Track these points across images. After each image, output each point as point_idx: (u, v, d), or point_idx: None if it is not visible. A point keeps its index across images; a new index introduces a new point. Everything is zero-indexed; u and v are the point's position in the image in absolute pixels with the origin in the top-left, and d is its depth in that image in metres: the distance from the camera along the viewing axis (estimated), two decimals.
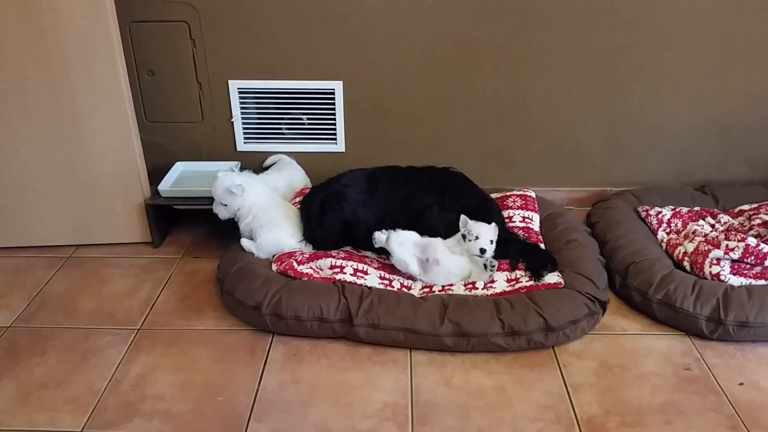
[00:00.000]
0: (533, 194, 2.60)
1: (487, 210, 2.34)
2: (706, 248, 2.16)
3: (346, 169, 2.46)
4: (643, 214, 2.48)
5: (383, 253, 2.21)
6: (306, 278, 2.09)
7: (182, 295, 2.24)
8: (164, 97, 2.62)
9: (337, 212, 2.26)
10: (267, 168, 2.68)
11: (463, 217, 2.17)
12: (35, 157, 2.35)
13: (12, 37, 2.17)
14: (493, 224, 2.19)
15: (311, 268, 2.13)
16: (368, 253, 2.28)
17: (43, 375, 1.87)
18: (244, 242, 2.26)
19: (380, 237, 2.14)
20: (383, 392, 1.80)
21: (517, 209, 2.48)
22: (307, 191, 2.44)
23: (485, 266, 2.12)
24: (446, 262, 2.12)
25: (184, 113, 2.66)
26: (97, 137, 2.34)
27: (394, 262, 2.13)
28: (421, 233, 2.21)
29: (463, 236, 2.16)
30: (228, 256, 2.25)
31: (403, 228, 2.26)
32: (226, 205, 2.28)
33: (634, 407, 1.74)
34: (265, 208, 2.26)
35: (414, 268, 2.10)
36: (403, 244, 2.12)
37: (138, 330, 2.07)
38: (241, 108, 2.66)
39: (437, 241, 2.16)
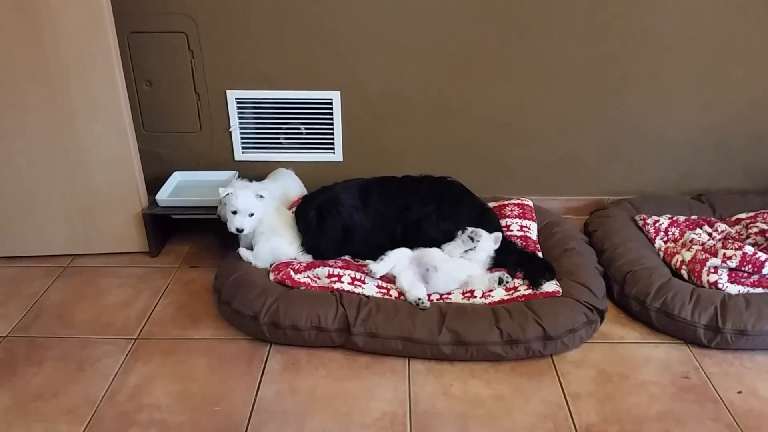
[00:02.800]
0: (531, 203, 2.60)
1: (485, 219, 2.34)
2: (704, 257, 2.16)
3: (344, 179, 2.47)
4: (641, 222, 2.49)
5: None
6: (303, 287, 2.08)
7: (180, 305, 2.23)
8: (162, 108, 2.63)
9: (335, 217, 2.25)
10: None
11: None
12: (33, 167, 2.35)
13: (10, 48, 2.17)
14: (496, 233, 2.21)
15: (309, 277, 2.13)
16: (368, 262, 2.27)
17: (39, 385, 1.87)
18: (242, 251, 2.26)
19: (376, 269, 2.13)
20: (381, 402, 1.79)
21: (515, 218, 2.48)
22: (300, 201, 2.42)
23: (500, 281, 2.11)
24: (445, 267, 2.12)
25: (182, 123, 2.66)
26: (95, 147, 2.35)
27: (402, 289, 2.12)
28: (419, 243, 2.21)
29: (471, 238, 2.16)
30: (225, 266, 2.24)
31: (399, 239, 2.27)
32: (253, 213, 2.22)
33: (632, 416, 1.74)
34: (270, 214, 2.26)
35: (422, 291, 2.07)
36: (404, 271, 2.12)
37: (135, 340, 2.06)
38: (239, 118, 2.66)
39: (432, 250, 2.16)
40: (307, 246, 2.28)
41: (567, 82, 2.57)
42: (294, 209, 2.40)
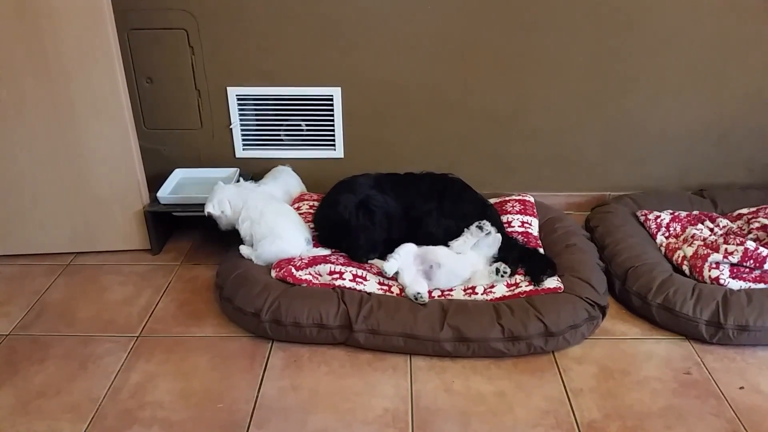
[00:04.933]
0: (532, 199, 2.60)
1: (486, 216, 2.34)
2: (705, 252, 2.16)
3: (345, 175, 2.47)
4: (642, 218, 2.49)
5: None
6: (305, 284, 2.08)
7: (181, 302, 2.24)
8: (163, 105, 2.63)
9: (381, 207, 2.25)
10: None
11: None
12: (34, 165, 2.35)
13: (10, 45, 2.17)
14: (497, 235, 2.21)
15: (310, 274, 2.13)
16: (376, 262, 2.26)
17: (42, 383, 1.87)
18: (243, 249, 2.26)
19: (391, 267, 2.11)
20: (383, 398, 1.79)
21: (516, 214, 2.48)
22: (322, 208, 2.38)
23: (497, 271, 2.11)
24: (449, 264, 2.11)
25: (182, 120, 2.66)
26: (95, 144, 2.34)
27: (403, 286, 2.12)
28: (421, 240, 2.21)
29: (480, 228, 2.14)
30: (227, 263, 2.24)
31: (404, 235, 2.26)
32: (222, 211, 2.27)
33: (634, 412, 1.74)
34: (261, 212, 2.23)
35: (422, 287, 2.07)
36: (408, 268, 2.11)
37: (137, 337, 2.06)
38: (240, 115, 2.66)
39: (436, 248, 2.16)
40: (351, 245, 2.24)
41: (568, 77, 2.56)
42: (316, 216, 2.40)
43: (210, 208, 2.26)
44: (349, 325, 1.95)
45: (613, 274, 2.22)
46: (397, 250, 2.14)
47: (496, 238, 2.20)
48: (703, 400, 1.78)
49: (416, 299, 2.01)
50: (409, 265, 2.12)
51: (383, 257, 2.16)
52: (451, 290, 2.11)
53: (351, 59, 2.54)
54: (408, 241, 2.20)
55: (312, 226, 2.40)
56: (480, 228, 2.15)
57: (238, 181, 2.51)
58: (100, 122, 2.31)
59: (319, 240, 2.33)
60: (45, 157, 2.34)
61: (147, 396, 1.82)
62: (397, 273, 2.12)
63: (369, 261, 2.23)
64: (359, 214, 2.24)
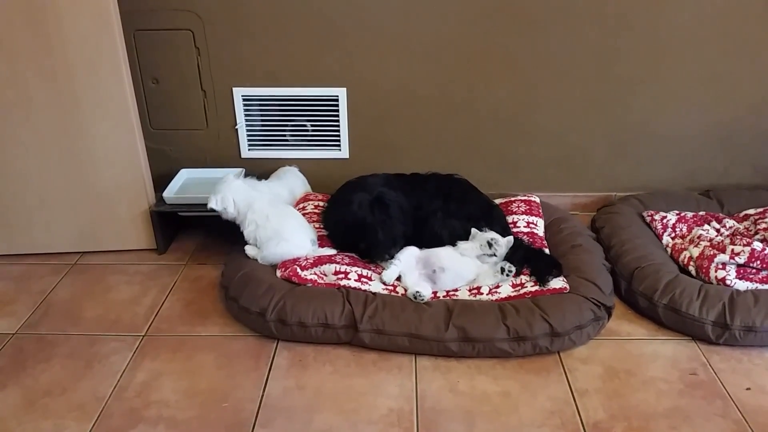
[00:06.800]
0: (538, 199, 2.60)
1: (492, 216, 2.34)
2: (712, 253, 2.15)
3: (350, 176, 2.47)
4: (648, 219, 2.48)
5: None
6: (310, 284, 2.09)
7: (187, 302, 2.24)
8: (169, 105, 2.64)
9: (395, 201, 2.25)
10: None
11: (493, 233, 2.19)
12: (40, 165, 2.36)
13: (17, 47, 2.18)
14: (509, 238, 2.20)
15: (315, 274, 2.13)
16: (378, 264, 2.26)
17: (48, 381, 1.88)
18: (249, 249, 2.26)
19: (390, 275, 2.11)
20: (388, 398, 1.79)
21: (522, 214, 2.48)
22: (335, 209, 2.37)
23: (502, 270, 2.11)
24: (453, 266, 2.11)
25: (188, 121, 2.67)
26: (102, 145, 2.35)
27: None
28: (426, 240, 2.21)
29: (489, 244, 2.14)
30: (232, 263, 2.25)
31: (410, 235, 2.26)
32: (225, 208, 2.26)
33: (640, 412, 1.73)
34: (267, 216, 2.22)
35: (423, 287, 2.07)
36: (410, 272, 2.12)
37: (143, 336, 2.07)
38: (246, 115, 2.67)
39: (439, 250, 2.16)
40: (370, 242, 2.21)
41: (574, 77, 2.56)
42: (327, 218, 2.39)
43: (213, 203, 2.24)
44: (354, 325, 1.95)
45: (619, 274, 2.21)
46: (397, 255, 2.14)
47: (507, 242, 2.19)
48: (709, 401, 1.77)
49: (415, 298, 2.01)
50: (411, 269, 2.12)
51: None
52: (456, 290, 2.11)
53: (356, 60, 2.55)
54: (414, 242, 2.20)
55: (319, 226, 2.40)
56: (489, 245, 2.14)
57: None
58: (106, 123, 2.32)
59: (333, 242, 2.32)
60: (51, 158, 2.36)
61: (152, 395, 1.82)
62: (399, 277, 2.12)
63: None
64: (374, 210, 2.23)
